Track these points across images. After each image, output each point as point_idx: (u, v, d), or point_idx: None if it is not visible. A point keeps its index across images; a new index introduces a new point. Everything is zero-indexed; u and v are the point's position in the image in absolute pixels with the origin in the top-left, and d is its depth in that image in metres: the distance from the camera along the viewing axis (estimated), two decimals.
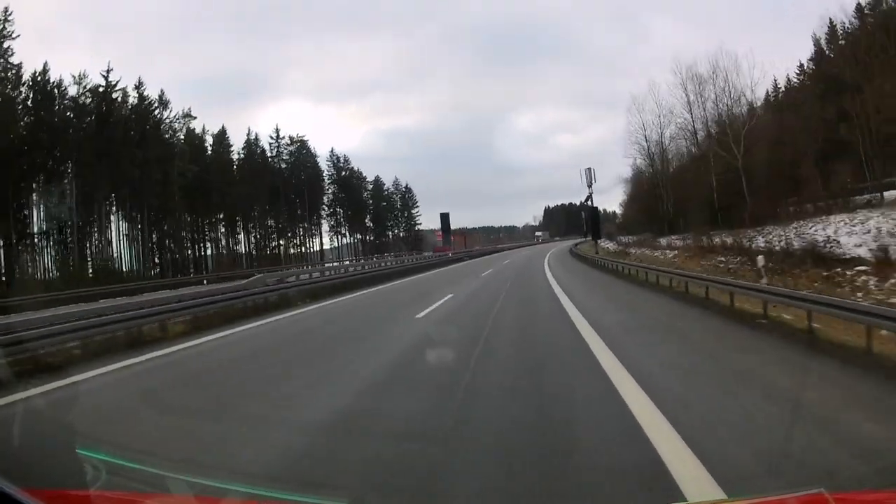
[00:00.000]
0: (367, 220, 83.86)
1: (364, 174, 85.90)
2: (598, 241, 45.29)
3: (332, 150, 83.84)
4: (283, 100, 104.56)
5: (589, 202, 47.78)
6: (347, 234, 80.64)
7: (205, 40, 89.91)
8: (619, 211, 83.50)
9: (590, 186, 45.68)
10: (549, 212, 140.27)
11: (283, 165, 70.38)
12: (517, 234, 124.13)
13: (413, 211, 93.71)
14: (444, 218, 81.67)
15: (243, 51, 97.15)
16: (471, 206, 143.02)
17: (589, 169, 45.63)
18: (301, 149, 73.08)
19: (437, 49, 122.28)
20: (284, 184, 67.82)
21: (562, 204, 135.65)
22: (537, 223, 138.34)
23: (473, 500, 3.22)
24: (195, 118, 56.16)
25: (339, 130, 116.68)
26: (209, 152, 59.91)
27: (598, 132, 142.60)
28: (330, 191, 76.59)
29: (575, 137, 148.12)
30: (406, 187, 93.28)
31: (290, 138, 71.21)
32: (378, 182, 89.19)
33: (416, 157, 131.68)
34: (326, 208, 76.64)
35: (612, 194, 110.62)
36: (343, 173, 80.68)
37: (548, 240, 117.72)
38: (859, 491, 2.55)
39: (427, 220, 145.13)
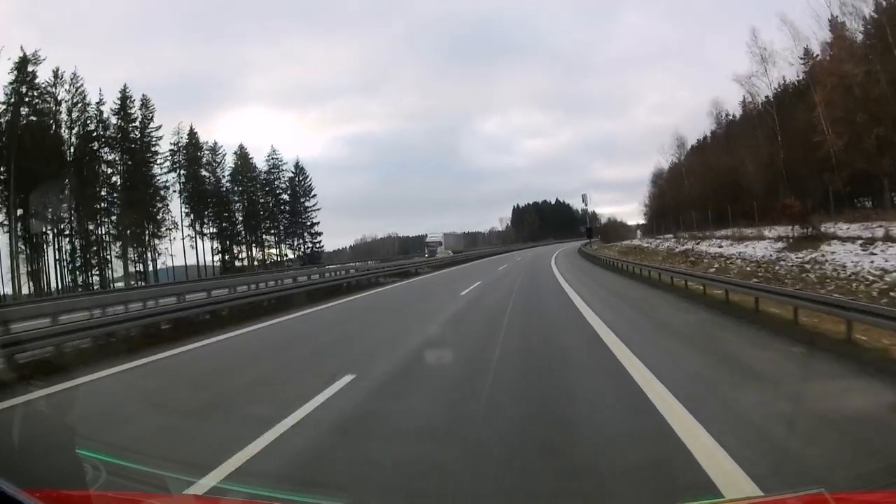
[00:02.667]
0: (233, 219, 52.83)
1: (218, 143, 52.39)
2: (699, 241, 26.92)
3: (124, 87, 45.94)
4: (239, 106, 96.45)
5: None
6: (197, 239, 49.25)
7: (155, 43, 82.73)
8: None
9: None
10: (518, 212, 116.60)
11: None
12: (481, 239, 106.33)
13: (308, 203, 58.19)
14: None
15: (195, 54, 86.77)
16: (437, 212, 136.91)
17: None
18: (20, 76, 37.05)
19: (401, 52, 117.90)
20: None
21: (534, 202, 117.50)
22: (504, 227, 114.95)
23: None
24: None
25: (299, 137, 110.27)
26: None
27: (566, 136, 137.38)
28: (116, 163, 44.27)
29: (542, 141, 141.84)
30: (297, 167, 58.28)
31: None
32: (244, 156, 54.11)
33: (380, 163, 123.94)
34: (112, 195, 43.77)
35: (590, 200, 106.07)
36: (149, 131, 45.91)
37: (452, 250, 64.40)
38: (859, 491, 2.54)
39: (395, 227, 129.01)
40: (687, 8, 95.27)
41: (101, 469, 2.38)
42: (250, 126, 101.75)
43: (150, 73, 75.74)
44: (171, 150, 49.19)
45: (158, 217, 46.86)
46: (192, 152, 50.35)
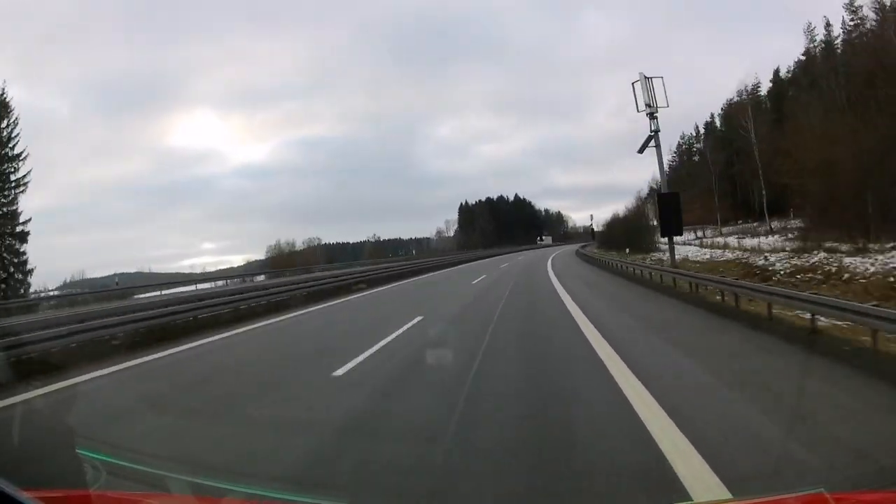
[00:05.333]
0: None
1: None
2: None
3: None
4: (182, 110, 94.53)
5: None
6: None
7: (93, 42, 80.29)
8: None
9: None
10: (466, 211, 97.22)
11: None
12: (430, 246, 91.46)
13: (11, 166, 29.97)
14: None
15: (136, 55, 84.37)
16: (391, 218, 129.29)
17: None
18: None
19: (352, 52, 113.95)
20: None
21: (488, 198, 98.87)
22: (451, 231, 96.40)
23: None
24: None
25: (247, 142, 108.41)
26: None
27: (522, 141, 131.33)
28: None
29: (499, 146, 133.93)
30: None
31: None
32: None
33: (333, 169, 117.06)
34: None
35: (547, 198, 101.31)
36: None
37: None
38: (859, 491, 2.54)
39: (348, 234, 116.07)
40: (649, 9, 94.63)
41: (101, 469, 2.38)
42: (196, 129, 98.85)
43: (89, 71, 73.34)
44: None
45: None
46: None
